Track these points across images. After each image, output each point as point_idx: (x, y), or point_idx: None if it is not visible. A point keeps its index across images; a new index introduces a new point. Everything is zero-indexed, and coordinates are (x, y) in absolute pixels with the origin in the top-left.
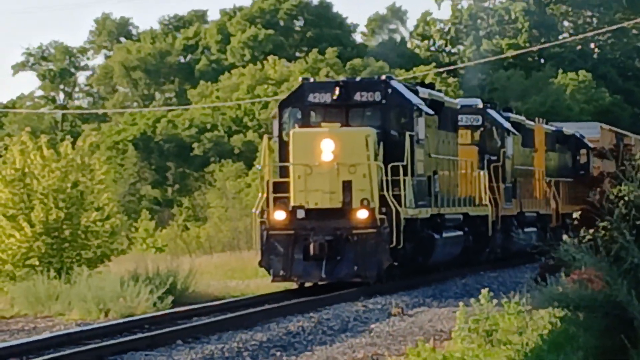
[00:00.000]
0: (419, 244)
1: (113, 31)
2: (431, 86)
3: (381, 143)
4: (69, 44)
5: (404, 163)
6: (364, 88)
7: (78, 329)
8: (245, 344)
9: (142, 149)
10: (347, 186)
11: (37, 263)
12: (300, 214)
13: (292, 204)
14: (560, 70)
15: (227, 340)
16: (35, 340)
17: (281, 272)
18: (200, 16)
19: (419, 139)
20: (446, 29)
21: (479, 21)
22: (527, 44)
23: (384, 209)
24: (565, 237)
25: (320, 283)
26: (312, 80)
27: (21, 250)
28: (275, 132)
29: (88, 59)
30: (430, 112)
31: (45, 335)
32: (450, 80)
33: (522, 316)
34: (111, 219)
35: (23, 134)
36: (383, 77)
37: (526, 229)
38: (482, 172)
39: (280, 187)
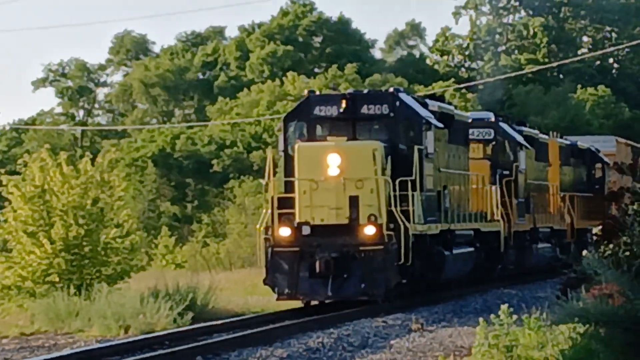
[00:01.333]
0: (429, 260)
1: (131, 49)
2: (441, 99)
3: (389, 157)
4: (88, 61)
5: (413, 178)
6: (372, 101)
7: (98, 345)
8: (265, 359)
9: (161, 165)
10: (353, 202)
11: (57, 280)
12: (306, 230)
13: (297, 220)
14: (580, 86)
15: (247, 357)
16: (55, 356)
17: (286, 291)
18: (218, 32)
19: (428, 153)
20: (465, 45)
21: (497, 36)
22: (546, 60)
23: (391, 225)
24: (585, 252)
25: (327, 301)
26: (318, 92)
27: (41, 267)
28: (281, 146)
29: (107, 75)
30: (440, 125)
31: (66, 351)
32: (469, 95)
33: (543, 332)
34: (131, 236)
35: (43, 150)
36: (391, 89)
37: (540, 245)
38: (494, 187)
39: (285, 203)
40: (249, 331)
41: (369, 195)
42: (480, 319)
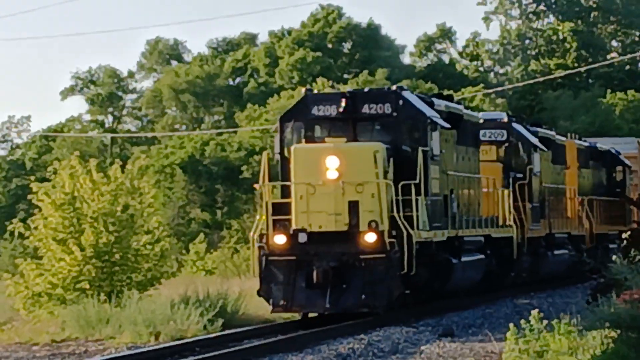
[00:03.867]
0: (434, 269)
1: (164, 54)
2: (449, 98)
3: (391, 159)
4: (117, 67)
5: (417, 181)
6: (373, 100)
7: (129, 352)
8: None
9: (191, 172)
10: (353, 207)
11: (87, 286)
12: (302, 237)
13: (293, 226)
14: (609, 90)
15: None
16: None
17: (281, 302)
18: (250, 39)
19: (433, 154)
20: (494, 50)
21: (527, 41)
22: (576, 64)
23: (394, 232)
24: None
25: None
26: (316, 91)
27: (71, 274)
28: (277, 149)
29: (136, 81)
30: (446, 125)
31: (96, 358)
32: (499, 100)
33: (573, 337)
34: (161, 242)
35: (72, 157)
36: (394, 87)
37: (556, 252)
38: (506, 191)
39: (280, 209)
40: (280, 337)
41: (370, 200)
42: (511, 324)
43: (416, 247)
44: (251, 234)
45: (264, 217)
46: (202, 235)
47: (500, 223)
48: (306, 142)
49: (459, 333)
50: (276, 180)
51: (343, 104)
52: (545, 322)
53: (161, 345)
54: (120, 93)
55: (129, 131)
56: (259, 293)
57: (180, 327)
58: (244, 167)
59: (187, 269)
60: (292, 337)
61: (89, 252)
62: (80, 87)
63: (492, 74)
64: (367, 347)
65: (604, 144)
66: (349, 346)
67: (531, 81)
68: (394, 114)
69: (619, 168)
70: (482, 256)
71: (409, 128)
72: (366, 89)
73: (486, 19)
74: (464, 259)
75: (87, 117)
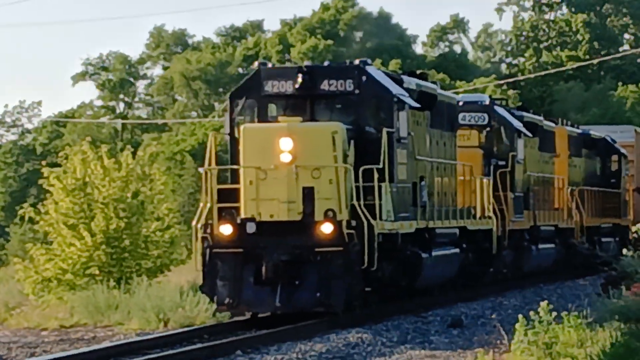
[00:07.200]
0: (401, 264)
1: (170, 43)
2: (423, 76)
3: (352, 141)
4: (128, 54)
5: (380, 166)
6: (333, 75)
7: (138, 338)
8: (304, 354)
9: (201, 159)
10: (308, 194)
11: (97, 272)
12: (251, 227)
13: (241, 215)
14: (620, 83)
15: (286, 351)
16: (95, 349)
17: (227, 300)
18: (256, 26)
19: (400, 137)
20: (507, 41)
21: (540, 33)
22: (587, 56)
23: (353, 223)
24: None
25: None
26: (270, 65)
27: (81, 259)
28: (226, 129)
29: (147, 68)
30: (416, 105)
31: (105, 344)
32: (511, 92)
33: (582, 329)
34: (171, 229)
35: (83, 143)
36: (357, 61)
37: (542, 245)
38: (485, 179)
39: (228, 195)
40: (289, 326)
41: (327, 186)
42: (520, 316)
43: (379, 239)
44: (194, 222)
45: (208, 204)
46: None
47: (479, 214)
48: (259, 122)
49: (468, 324)
50: (227, 164)
51: (299, 79)
52: (554, 314)
53: (170, 332)
54: (131, 79)
55: (140, 117)
56: (201, 289)
57: (189, 314)
58: None
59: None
60: (302, 325)
61: (99, 237)
62: (91, 73)
63: (503, 65)
64: (376, 336)
65: (598, 131)
66: (357, 335)
67: (542, 73)
68: (357, 91)
69: (614, 157)
70: (457, 250)
71: (373, 107)
72: (326, 63)
73: (499, 10)
74: (435, 253)
75: (99, 103)
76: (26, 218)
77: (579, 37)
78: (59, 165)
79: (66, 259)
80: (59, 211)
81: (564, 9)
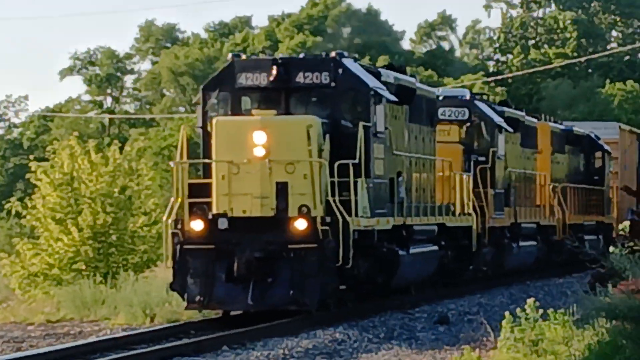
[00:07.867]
0: (377, 261)
1: (159, 37)
2: (401, 70)
3: (327, 136)
4: (116, 49)
5: (356, 161)
6: (309, 68)
7: (124, 333)
8: (291, 350)
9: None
10: (282, 189)
11: (83, 267)
12: (223, 223)
13: (213, 211)
14: (608, 80)
15: (273, 347)
16: (81, 344)
17: (197, 298)
18: (244, 22)
19: (377, 131)
20: (495, 37)
21: (528, 30)
22: (575, 54)
23: (328, 219)
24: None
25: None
26: (244, 57)
27: (68, 254)
28: (199, 122)
29: (134, 63)
30: (394, 99)
31: (92, 339)
32: (498, 89)
33: (569, 326)
34: (158, 224)
35: (71, 138)
36: (333, 53)
37: (522, 243)
38: (465, 175)
39: (199, 190)
40: (276, 322)
41: (301, 181)
42: (506, 313)
43: (354, 236)
44: (164, 218)
45: (179, 199)
46: None
47: (458, 211)
48: (232, 115)
49: (455, 320)
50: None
51: (274, 72)
52: (540, 311)
53: (156, 327)
54: (119, 74)
55: (127, 112)
56: (172, 287)
57: (175, 309)
58: None
59: None
60: (288, 321)
61: (86, 232)
62: (78, 67)
63: (491, 62)
64: (362, 332)
65: (582, 127)
66: (344, 332)
67: (530, 70)
68: (333, 84)
69: (598, 154)
70: (436, 247)
71: (350, 100)
72: (301, 55)
73: (487, 7)
74: (412, 250)
75: (87, 97)
76: (13, 212)
77: (567, 34)
78: (47, 160)
79: (53, 253)
80: (46, 206)
81: (552, 7)
